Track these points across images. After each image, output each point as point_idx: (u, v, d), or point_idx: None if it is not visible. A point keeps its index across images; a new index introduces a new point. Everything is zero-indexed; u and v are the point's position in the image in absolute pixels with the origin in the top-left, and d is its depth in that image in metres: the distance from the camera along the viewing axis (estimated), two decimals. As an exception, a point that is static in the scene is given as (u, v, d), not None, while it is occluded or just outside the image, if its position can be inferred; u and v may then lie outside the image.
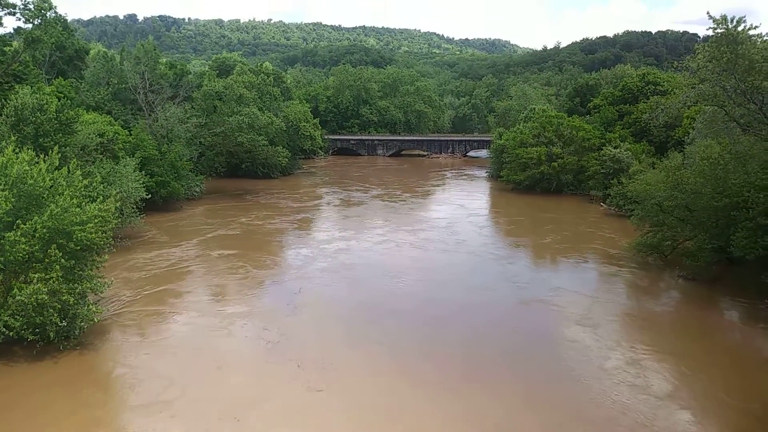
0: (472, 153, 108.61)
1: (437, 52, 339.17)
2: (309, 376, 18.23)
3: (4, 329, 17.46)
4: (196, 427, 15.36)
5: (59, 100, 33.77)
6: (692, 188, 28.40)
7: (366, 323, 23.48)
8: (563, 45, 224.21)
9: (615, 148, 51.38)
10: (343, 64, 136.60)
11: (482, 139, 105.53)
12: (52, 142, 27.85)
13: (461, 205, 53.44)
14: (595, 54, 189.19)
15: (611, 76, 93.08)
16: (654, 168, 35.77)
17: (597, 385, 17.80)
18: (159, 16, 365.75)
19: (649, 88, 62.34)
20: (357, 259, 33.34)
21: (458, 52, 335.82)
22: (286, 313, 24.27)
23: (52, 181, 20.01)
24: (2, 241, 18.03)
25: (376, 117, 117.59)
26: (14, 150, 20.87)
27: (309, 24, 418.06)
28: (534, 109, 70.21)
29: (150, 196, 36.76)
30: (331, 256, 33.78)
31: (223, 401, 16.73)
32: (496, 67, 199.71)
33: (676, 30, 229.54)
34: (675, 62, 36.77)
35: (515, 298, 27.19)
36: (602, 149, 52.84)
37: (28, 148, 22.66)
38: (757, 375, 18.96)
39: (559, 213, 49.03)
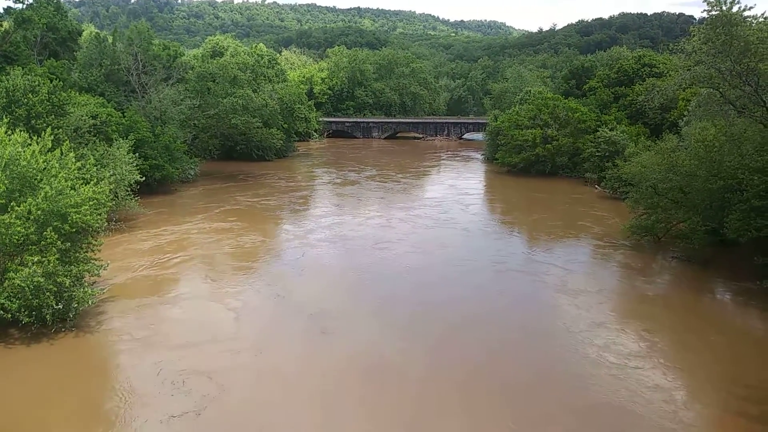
0: (467, 135, 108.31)
1: (433, 33, 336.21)
2: (315, 322, 21.03)
3: (1, 311, 17.49)
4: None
5: (51, 82, 33.45)
6: (687, 170, 28.50)
7: (361, 284, 26.29)
8: (559, 27, 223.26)
9: (610, 130, 51.35)
10: (338, 45, 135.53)
11: (478, 121, 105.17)
12: (45, 124, 27.67)
13: (455, 186, 53.64)
14: (591, 36, 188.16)
15: (607, 58, 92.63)
16: (649, 150, 35.81)
17: (579, 354, 18.09)
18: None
19: (644, 71, 62.17)
20: (352, 232, 34.98)
21: (454, 34, 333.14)
22: (291, 275, 26.74)
23: (45, 163, 19.92)
24: (-3, 223, 17.98)
25: (371, 99, 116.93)
26: (6, 132, 20.73)
27: (303, 5, 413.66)
28: (530, 91, 69.95)
29: (144, 179, 36.63)
30: (328, 229, 35.73)
31: (242, 342, 19.48)
32: (491, 49, 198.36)
33: (672, 12, 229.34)
34: (670, 44, 36.82)
35: (504, 271, 28.18)
36: (598, 131, 52.80)
37: (20, 130, 22.51)
38: (748, 354, 19.19)
39: (553, 195, 49.18)
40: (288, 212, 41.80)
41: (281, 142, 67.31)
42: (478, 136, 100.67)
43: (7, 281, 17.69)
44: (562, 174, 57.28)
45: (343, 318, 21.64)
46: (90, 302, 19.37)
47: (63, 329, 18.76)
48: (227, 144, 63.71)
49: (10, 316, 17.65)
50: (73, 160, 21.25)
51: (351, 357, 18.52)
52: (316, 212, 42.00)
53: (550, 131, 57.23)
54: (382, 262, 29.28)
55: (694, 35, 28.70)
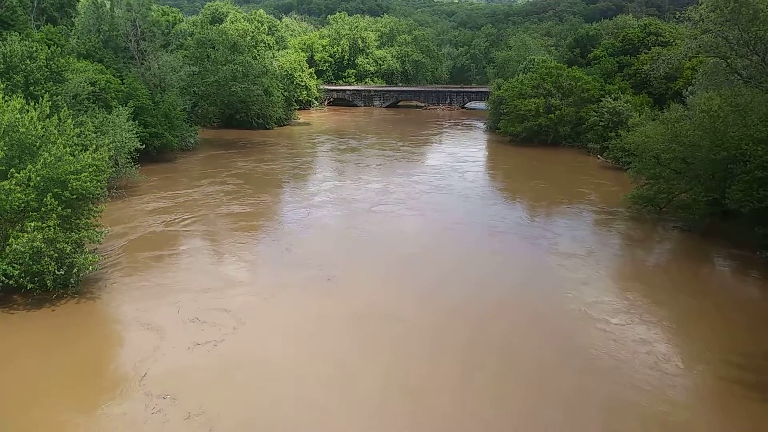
0: (470, 104, 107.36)
1: (436, 0, 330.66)
2: (321, 271, 22.57)
3: (3, 277, 17.57)
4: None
5: (49, 48, 32.97)
6: (690, 141, 28.28)
7: (361, 241, 27.30)
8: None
9: (614, 99, 50.81)
10: (340, 12, 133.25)
11: (480, 90, 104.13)
12: (43, 91, 27.38)
13: (455, 155, 53.50)
14: (597, 4, 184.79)
15: (612, 26, 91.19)
16: (653, 120, 35.49)
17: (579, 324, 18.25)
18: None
19: (650, 39, 61.22)
20: (352, 196, 35.95)
21: (457, 1, 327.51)
22: (296, 232, 28.20)
23: (43, 130, 19.76)
24: (-4, 190, 17.93)
25: (372, 67, 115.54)
26: (4, 98, 20.54)
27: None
28: (533, 59, 69.07)
29: (144, 146, 36.43)
30: (329, 192, 36.89)
31: (255, 286, 21.20)
32: (495, 16, 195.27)
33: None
34: (677, 12, 36.12)
35: (498, 234, 28.75)
36: (601, 101, 52.25)
37: (18, 96, 22.32)
38: (746, 323, 19.28)
39: (555, 164, 49.00)
40: (290, 177, 42.46)
41: (281, 110, 66.66)
42: (481, 105, 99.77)
43: (8, 248, 17.72)
44: (565, 144, 56.92)
45: (345, 268, 23.17)
46: (92, 268, 19.41)
47: (65, 295, 18.87)
48: (227, 112, 63.21)
49: (12, 281, 17.72)
50: (72, 126, 21.09)
51: (353, 300, 20.40)
52: (317, 177, 43.01)
53: (553, 100, 56.68)
54: (381, 222, 30.42)
55: (701, 3, 28.20)
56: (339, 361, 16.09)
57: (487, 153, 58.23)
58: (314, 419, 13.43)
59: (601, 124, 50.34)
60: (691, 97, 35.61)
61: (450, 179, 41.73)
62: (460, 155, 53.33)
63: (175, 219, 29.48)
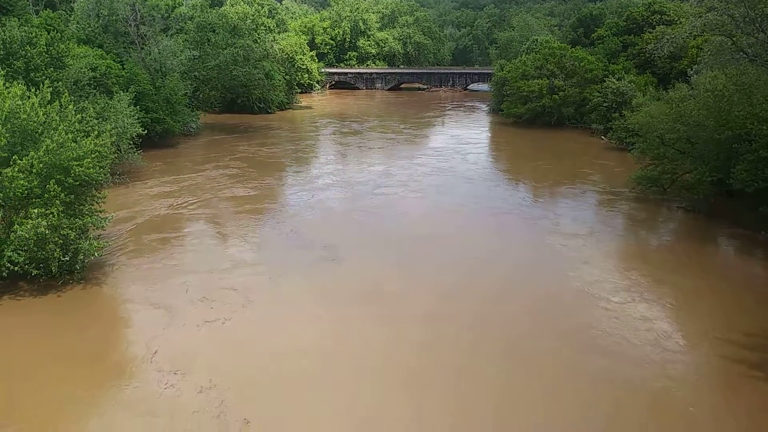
0: (472, 86, 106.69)
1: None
2: (324, 251, 23.02)
3: (9, 264, 17.66)
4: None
5: (49, 33, 32.78)
6: (695, 120, 28.05)
7: (364, 223, 27.63)
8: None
9: (618, 80, 50.38)
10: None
11: (483, 71, 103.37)
12: (43, 77, 27.28)
13: (458, 137, 53.33)
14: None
15: (616, 5, 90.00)
16: (658, 100, 35.21)
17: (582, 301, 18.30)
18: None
19: (654, 18, 60.48)
20: (355, 179, 36.14)
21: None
22: (301, 215, 28.56)
23: (45, 116, 19.72)
24: (0, 177, 17.94)
25: (374, 49, 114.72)
26: (4, 84, 20.48)
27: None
28: (536, 40, 68.41)
29: (146, 132, 36.38)
30: (332, 175, 37.18)
31: (262, 266, 21.60)
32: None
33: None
34: (683, -10, 35.59)
35: (501, 215, 28.94)
36: (605, 81, 51.80)
37: (18, 83, 22.24)
38: (750, 302, 19.27)
39: (558, 146, 48.78)
40: (293, 161, 42.54)
41: (283, 94, 66.36)
42: (484, 86, 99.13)
43: (12, 234, 17.78)
44: (569, 125, 56.61)
45: (349, 250, 23.43)
46: (96, 254, 19.50)
47: (71, 281, 18.95)
48: (228, 97, 62.98)
49: (18, 268, 17.81)
50: (73, 112, 21.04)
51: (357, 279, 20.68)
52: (320, 161, 43.19)
53: (556, 81, 56.27)
54: (384, 205, 30.56)
55: (707, -20, 27.79)
56: (343, 338, 16.45)
57: (489, 135, 57.99)
58: (319, 392, 13.78)
59: (604, 104, 50.01)
60: (695, 76, 35.26)
61: (452, 161, 41.67)
62: (463, 137, 53.15)
63: (179, 203, 29.63)
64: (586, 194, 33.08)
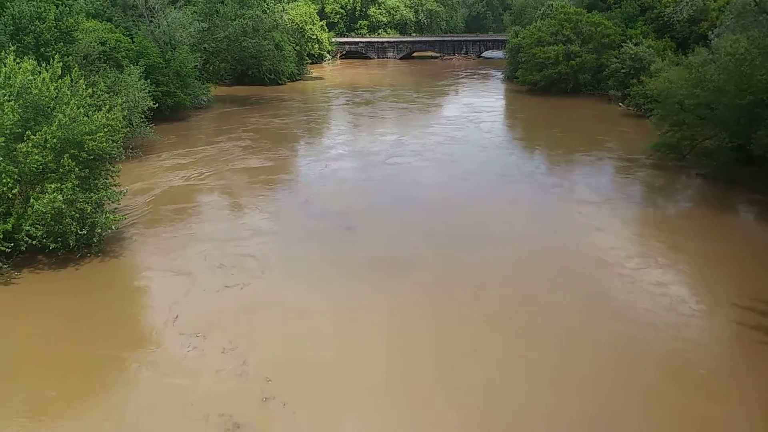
0: (486, 54, 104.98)
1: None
2: (339, 220, 23.30)
3: (27, 238, 17.84)
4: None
5: (57, 8, 32.54)
6: (715, 85, 27.36)
7: (377, 192, 27.75)
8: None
9: (636, 45, 49.24)
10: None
11: (497, 38, 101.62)
12: (54, 52, 27.15)
13: (472, 105, 52.70)
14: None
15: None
16: (677, 66, 34.35)
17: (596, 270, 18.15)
18: None
19: (674, -21, 58.70)
20: (368, 149, 36.20)
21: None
22: (315, 185, 28.77)
23: (56, 91, 19.70)
24: (15, 152, 18.02)
25: (385, 18, 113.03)
26: (15, 60, 20.40)
27: None
28: (552, 5, 66.84)
29: (157, 105, 36.28)
30: (345, 145, 37.26)
31: (279, 235, 22.04)
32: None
33: None
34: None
35: (515, 183, 28.75)
36: (622, 47, 50.65)
37: (29, 58, 22.18)
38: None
39: (574, 113, 48.04)
40: (305, 132, 42.52)
41: (293, 64, 65.78)
42: (498, 53, 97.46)
43: (29, 209, 17.92)
44: (585, 92, 55.65)
45: (364, 218, 23.73)
46: (113, 227, 19.63)
47: (88, 254, 19.15)
48: (238, 69, 62.59)
49: (36, 242, 18.00)
50: (84, 87, 20.99)
51: (372, 247, 20.83)
52: (332, 131, 43.13)
53: (572, 47, 55.14)
54: (397, 174, 30.57)
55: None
56: (358, 301, 16.79)
57: (504, 103, 57.25)
58: (337, 351, 14.28)
59: (622, 70, 49.00)
60: (716, 40, 34.29)
61: (466, 130, 41.27)
62: (477, 105, 52.52)
63: (193, 174, 29.84)
64: (602, 161, 32.62)
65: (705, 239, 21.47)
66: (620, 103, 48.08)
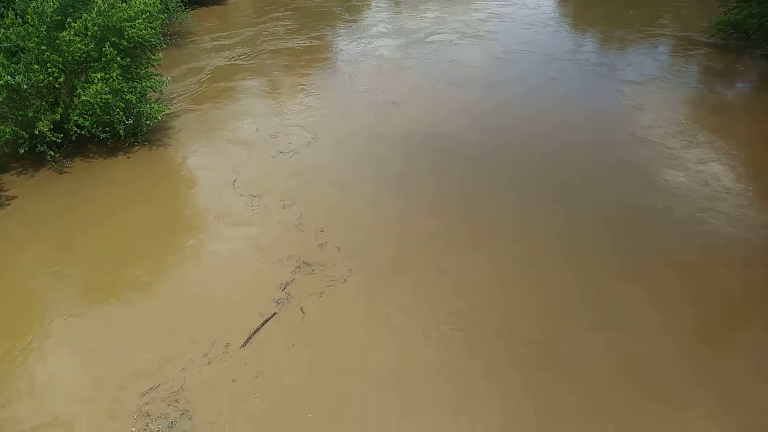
0: None
1: None
2: (383, 96, 24.03)
3: (76, 128, 18.37)
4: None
5: None
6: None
7: (418, 70, 27.51)
8: None
9: None
10: None
11: None
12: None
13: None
14: None
15: None
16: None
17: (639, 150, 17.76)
18: None
19: None
20: (408, 27, 35.41)
21: None
22: (357, 61, 28.95)
23: (92, -25, 19.30)
24: (58, 41, 18.08)
25: None
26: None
27: None
28: None
29: (192, -12, 35.26)
30: (385, 23, 36.90)
31: (328, 109, 22.69)
32: None
33: None
34: None
35: (559, 61, 27.96)
36: None
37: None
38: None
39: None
40: (344, 10, 41.34)
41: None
42: None
43: (76, 99, 18.28)
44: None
45: (405, 94, 24.10)
46: (159, 117, 19.91)
47: (136, 144, 19.68)
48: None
49: (85, 131, 18.53)
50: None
51: (413, 118, 21.63)
52: (372, 9, 42.18)
53: None
54: (437, 52, 30.02)
55: None
56: (398, 170, 17.95)
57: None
58: (373, 215, 15.71)
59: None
60: None
61: (512, 7, 39.45)
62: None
63: (236, 55, 29.96)
64: (657, 41, 30.62)
65: (760, 124, 20.45)
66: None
